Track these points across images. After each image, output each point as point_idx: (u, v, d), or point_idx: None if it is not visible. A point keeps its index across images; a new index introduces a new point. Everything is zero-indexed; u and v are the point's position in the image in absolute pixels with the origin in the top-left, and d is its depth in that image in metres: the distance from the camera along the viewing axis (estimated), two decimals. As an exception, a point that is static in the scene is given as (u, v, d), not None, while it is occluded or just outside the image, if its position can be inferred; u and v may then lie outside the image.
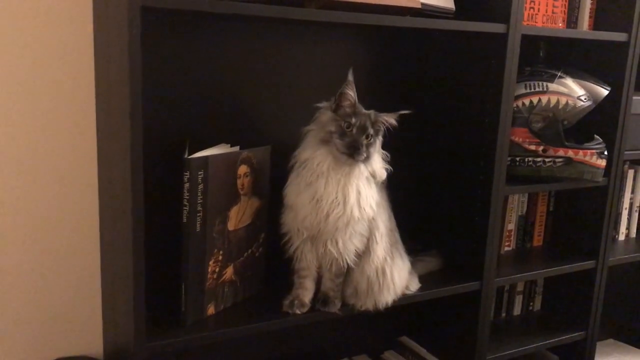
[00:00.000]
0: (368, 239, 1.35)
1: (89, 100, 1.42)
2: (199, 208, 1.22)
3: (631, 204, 2.09)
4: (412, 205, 1.48)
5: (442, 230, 1.73)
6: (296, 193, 1.29)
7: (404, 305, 1.50)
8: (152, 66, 1.35)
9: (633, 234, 2.13)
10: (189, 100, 1.44)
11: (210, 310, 1.32)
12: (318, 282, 1.39)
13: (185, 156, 1.20)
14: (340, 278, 1.38)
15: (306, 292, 1.37)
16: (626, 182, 2.04)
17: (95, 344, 1.52)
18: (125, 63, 1.07)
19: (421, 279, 1.57)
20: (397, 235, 1.46)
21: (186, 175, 1.19)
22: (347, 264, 1.34)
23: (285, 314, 1.34)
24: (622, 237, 2.11)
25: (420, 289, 1.54)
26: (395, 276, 1.41)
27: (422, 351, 1.77)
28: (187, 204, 1.20)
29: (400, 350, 1.83)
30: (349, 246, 1.32)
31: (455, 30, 1.44)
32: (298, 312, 1.34)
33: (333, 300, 1.37)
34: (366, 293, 1.38)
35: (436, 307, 1.72)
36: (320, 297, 1.38)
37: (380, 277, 1.38)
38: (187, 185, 1.19)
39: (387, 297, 1.41)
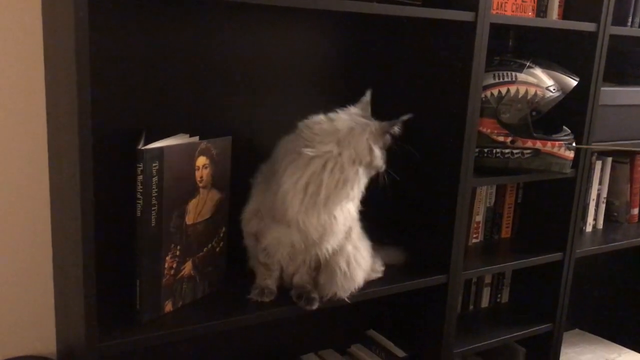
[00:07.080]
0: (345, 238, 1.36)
1: (38, 90, 1.34)
2: (154, 201, 1.16)
3: (598, 196, 2.09)
4: (377, 196, 1.44)
5: (409, 223, 1.70)
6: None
7: (371, 299, 1.47)
8: (105, 52, 1.29)
9: (600, 225, 2.13)
10: (146, 89, 1.37)
11: (168, 307, 1.27)
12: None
13: (140, 147, 1.14)
14: (315, 271, 1.38)
15: (275, 281, 1.39)
16: (594, 173, 2.04)
17: (48, 343, 1.46)
18: (72, 46, 1.00)
19: (388, 271, 1.54)
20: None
21: (139, 167, 1.13)
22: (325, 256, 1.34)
23: (248, 309, 1.32)
24: (589, 229, 2.10)
25: (387, 282, 1.51)
26: (360, 259, 1.42)
27: (389, 344, 1.74)
28: (140, 197, 1.15)
29: (367, 344, 1.80)
30: (327, 226, 1.29)
31: (423, 18, 1.40)
32: (267, 299, 1.37)
33: (312, 296, 1.36)
34: (342, 282, 1.38)
35: (403, 301, 1.70)
36: (298, 293, 1.37)
37: (353, 263, 1.39)
38: (140, 177, 1.14)
39: (360, 278, 1.42)
